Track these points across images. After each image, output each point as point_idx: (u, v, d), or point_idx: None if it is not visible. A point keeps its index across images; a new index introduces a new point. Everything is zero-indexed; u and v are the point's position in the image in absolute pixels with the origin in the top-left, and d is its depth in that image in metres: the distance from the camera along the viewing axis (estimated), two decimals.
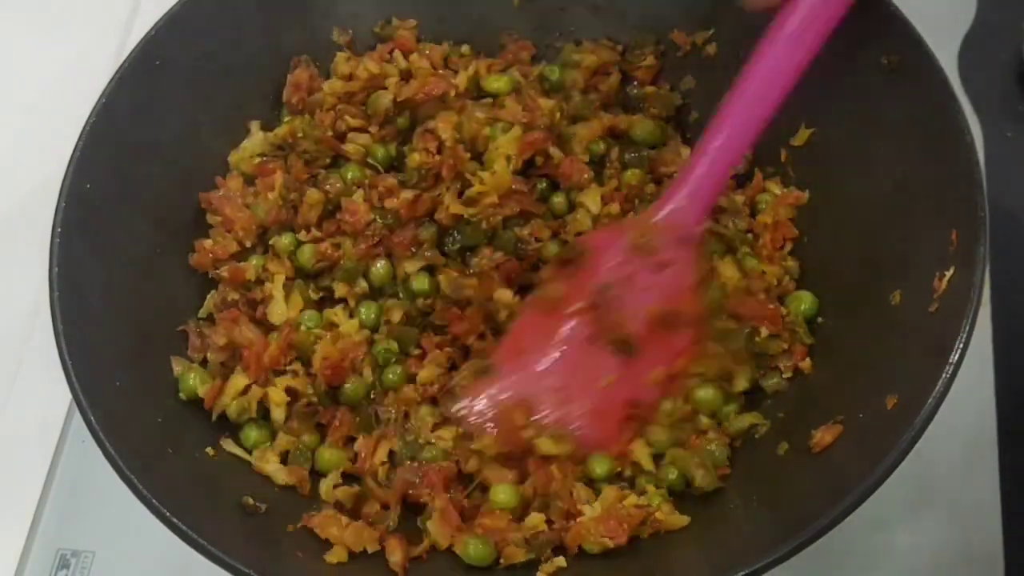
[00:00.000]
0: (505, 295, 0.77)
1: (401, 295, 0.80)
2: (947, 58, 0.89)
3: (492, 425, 0.73)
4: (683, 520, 0.69)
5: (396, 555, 0.69)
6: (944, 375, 0.62)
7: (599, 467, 0.72)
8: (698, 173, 0.74)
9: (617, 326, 0.73)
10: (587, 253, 0.76)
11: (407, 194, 0.80)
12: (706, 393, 0.74)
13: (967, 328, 0.63)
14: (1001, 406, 0.78)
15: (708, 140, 0.73)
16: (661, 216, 0.74)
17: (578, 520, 0.70)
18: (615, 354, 0.73)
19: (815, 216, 0.79)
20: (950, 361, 0.62)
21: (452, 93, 0.84)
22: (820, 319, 0.76)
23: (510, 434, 0.72)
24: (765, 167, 0.82)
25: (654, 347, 0.73)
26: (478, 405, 0.74)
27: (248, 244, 0.82)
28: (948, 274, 0.66)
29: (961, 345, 0.63)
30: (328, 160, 0.85)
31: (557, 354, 0.74)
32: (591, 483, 0.73)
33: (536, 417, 0.73)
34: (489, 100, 0.85)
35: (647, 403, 0.73)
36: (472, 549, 0.69)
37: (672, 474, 0.71)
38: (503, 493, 0.72)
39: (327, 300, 0.81)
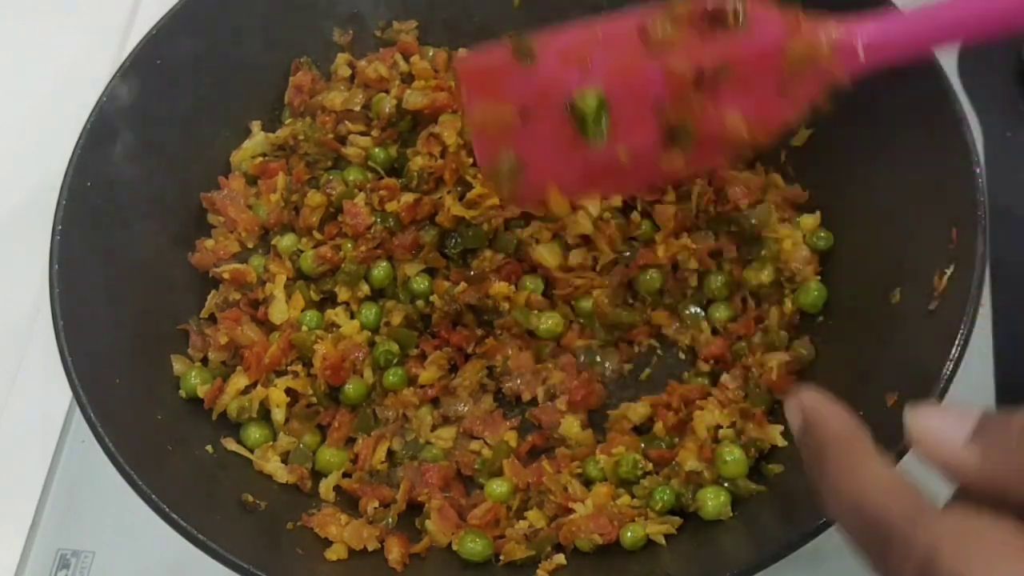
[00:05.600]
0: (501, 287, 0.77)
1: (401, 297, 0.81)
2: (947, 58, 0.89)
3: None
4: (677, 521, 0.69)
5: (395, 552, 0.69)
6: (944, 374, 0.62)
7: (593, 467, 0.72)
8: (907, 25, 0.62)
9: (693, 117, 0.62)
10: (746, 23, 0.63)
11: (408, 197, 0.80)
12: (734, 455, 0.70)
13: (967, 327, 0.63)
14: (1001, 406, 0.77)
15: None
16: (834, 38, 0.62)
17: (569, 517, 0.70)
18: (654, 132, 0.62)
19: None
20: (950, 359, 0.62)
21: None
22: (820, 317, 0.76)
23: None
24: (766, 167, 0.83)
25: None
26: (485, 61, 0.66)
27: (250, 245, 0.82)
28: (948, 272, 0.66)
29: (961, 344, 0.62)
30: (330, 162, 0.85)
31: (606, 84, 0.62)
32: (588, 484, 0.73)
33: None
34: None
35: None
36: (469, 545, 0.69)
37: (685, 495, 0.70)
38: (498, 486, 0.72)
39: (328, 301, 0.81)
